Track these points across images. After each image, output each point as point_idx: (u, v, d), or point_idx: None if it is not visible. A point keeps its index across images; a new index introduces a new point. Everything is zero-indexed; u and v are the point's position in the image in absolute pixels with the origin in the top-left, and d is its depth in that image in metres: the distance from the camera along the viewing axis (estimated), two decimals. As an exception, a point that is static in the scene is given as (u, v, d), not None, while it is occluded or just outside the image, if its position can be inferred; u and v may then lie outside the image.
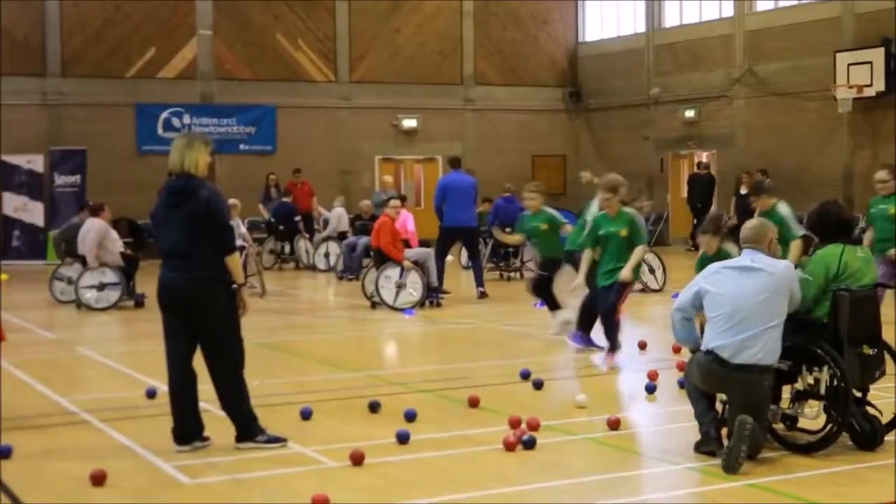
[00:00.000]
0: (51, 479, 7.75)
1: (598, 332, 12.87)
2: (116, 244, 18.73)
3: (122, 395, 10.79)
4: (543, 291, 14.61)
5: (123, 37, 30.98)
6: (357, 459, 7.97)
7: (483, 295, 18.92)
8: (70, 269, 19.07)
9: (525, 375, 11.14)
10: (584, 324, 13.10)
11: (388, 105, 33.67)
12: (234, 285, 8.44)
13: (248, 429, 8.49)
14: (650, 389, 10.49)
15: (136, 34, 31.11)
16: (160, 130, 31.01)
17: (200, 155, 8.47)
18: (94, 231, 18.34)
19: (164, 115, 31.26)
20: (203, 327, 8.39)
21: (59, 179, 29.12)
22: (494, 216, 23.03)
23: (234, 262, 8.47)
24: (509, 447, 8.31)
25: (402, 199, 19.82)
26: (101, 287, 18.31)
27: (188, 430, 8.46)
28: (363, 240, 21.62)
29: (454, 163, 20.39)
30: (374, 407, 9.75)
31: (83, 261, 18.56)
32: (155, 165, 28.97)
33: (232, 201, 19.79)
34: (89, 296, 18.22)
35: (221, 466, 8.06)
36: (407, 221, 20.87)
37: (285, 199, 26.84)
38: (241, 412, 8.49)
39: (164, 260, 8.52)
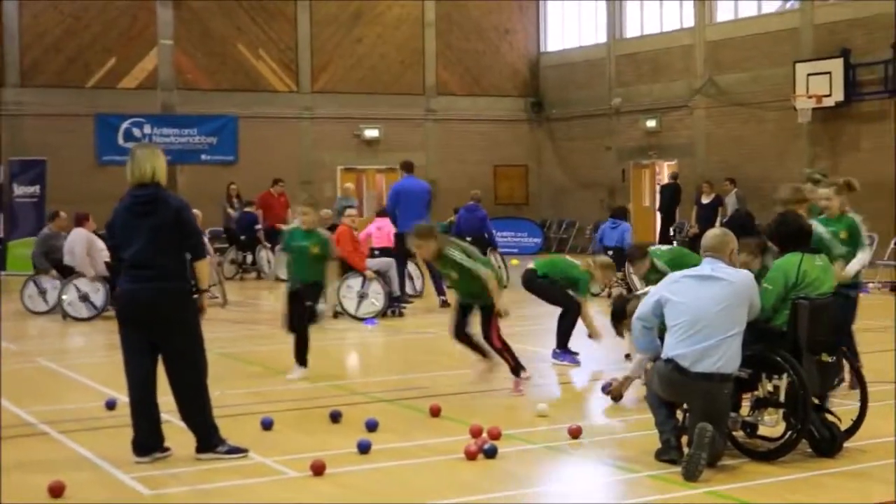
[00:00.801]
0: (9, 491, 7.67)
1: (575, 343, 12.99)
2: (102, 253, 18.66)
3: (82, 407, 10.71)
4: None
5: (83, 47, 30.83)
6: (318, 469, 7.95)
7: (445, 304, 18.88)
8: (46, 281, 18.96)
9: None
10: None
11: (349, 115, 33.66)
12: (197, 290, 8.41)
13: (208, 440, 8.44)
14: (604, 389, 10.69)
15: (95, 44, 30.97)
16: (120, 141, 30.84)
17: (164, 164, 8.46)
18: (81, 241, 18.26)
19: (125, 125, 31.11)
20: (168, 338, 8.34)
21: (19, 190, 28.86)
22: (459, 227, 22.95)
23: (204, 267, 8.48)
24: (471, 456, 8.30)
25: (343, 209, 19.46)
26: (86, 297, 18.18)
27: (148, 441, 8.40)
28: None
29: (407, 167, 20.24)
30: (335, 417, 9.73)
31: (64, 272, 18.44)
32: (115, 176, 28.59)
33: (195, 212, 19.70)
34: (75, 306, 18.14)
35: (182, 477, 8.01)
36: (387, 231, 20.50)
37: (247, 209, 26.74)
38: (202, 423, 8.44)
39: (125, 271, 8.46)
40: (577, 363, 12.90)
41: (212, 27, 32.24)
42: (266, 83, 33.08)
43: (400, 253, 18.96)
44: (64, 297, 18.19)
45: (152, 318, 8.32)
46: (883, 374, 11.44)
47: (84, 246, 18.20)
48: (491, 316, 11.10)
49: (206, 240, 20.26)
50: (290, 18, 33.26)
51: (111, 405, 10.27)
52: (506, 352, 11.25)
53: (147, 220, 8.28)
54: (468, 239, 22.30)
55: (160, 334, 8.34)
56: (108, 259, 18.70)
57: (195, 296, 8.42)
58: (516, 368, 11.23)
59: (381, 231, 20.40)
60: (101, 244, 18.75)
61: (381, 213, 21.22)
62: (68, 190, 28.55)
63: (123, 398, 8.93)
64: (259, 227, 26.25)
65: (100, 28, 31.02)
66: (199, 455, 8.41)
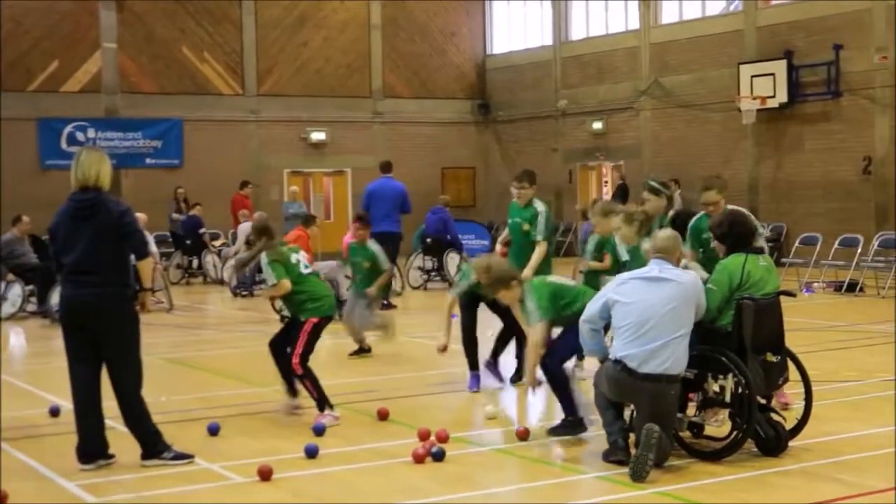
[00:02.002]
0: (-50, 500, 7.57)
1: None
2: None
3: (24, 414, 10.57)
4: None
5: (24, 50, 30.49)
6: (265, 475, 7.90)
7: (389, 306, 18.92)
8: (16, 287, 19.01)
9: None
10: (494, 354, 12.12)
11: (296, 118, 33.54)
12: (139, 289, 8.32)
13: (153, 446, 8.37)
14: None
15: (37, 47, 30.64)
16: (64, 145, 30.53)
17: (109, 169, 8.38)
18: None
19: (68, 129, 30.80)
20: (108, 344, 8.26)
21: (-39, 195, 28.57)
22: (427, 228, 23.26)
23: (146, 267, 8.38)
24: (419, 460, 8.28)
25: (312, 218, 19.39)
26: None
27: (93, 448, 8.32)
28: None
29: (384, 168, 20.52)
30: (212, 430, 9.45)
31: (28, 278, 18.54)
32: (59, 180, 28.41)
33: (139, 215, 19.57)
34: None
35: (127, 484, 7.94)
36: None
37: (192, 213, 26.57)
38: (144, 430, 8.37)
39: (66, 276, 8.36)
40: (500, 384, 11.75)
41: (156, 30, 32.00)
42: (211, 86, 32.89)
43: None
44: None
45: (93, 324, 8.23)
46: (829, 373, 11.55)
47: None
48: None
49: (154, 247, 20.26)
50: (236, 21, 33.09)
51: (55, 412, 10.17)
52: (305, 379, 9.92)
53: (88, 224, 8.19)
54: (428, 240, 22.67)
55: (100, 340, 8.25)
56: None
57: (137, 291, 8.33)
58: (318, 403, 9.88)
59: None
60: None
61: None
62: (11, 195, 28.21)
63: (67, 405, 8.83)
64: (204, 230, 26.08)
65: (41, 31, 30.69)
66: (145, 462, 8.34)
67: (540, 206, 11.82)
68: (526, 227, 11.71)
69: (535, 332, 8.95)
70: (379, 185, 20.07)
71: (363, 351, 14.04)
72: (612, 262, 11.08)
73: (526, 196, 11.84)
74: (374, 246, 14.13)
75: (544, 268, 11.40)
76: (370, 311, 13.98)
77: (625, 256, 10.55)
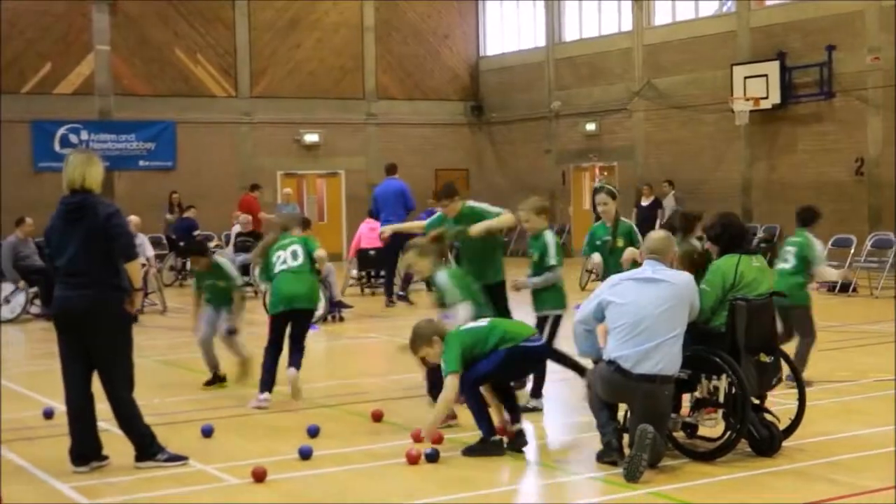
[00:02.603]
0: (-57, 503, 7.56)
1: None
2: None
3: (18, 416, 10.56)
4: None
5: (18, 52, 30.43)
6: (259, 476, 7.90)
7: (391, 303, 19.06)
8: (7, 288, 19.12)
9: None
10: None
11: (289, 120, 33.50)
12: (130, 289, 8.31)
13: (146, 448, 8.37)
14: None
15: (30, 49, 30.59)
16: (57, 147, 30.48)
17: (99, 172, 8.39)
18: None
19: (61, 131, 30.75)
20: (99, 346, 8.25)
21: (-46, 197, 28.52)
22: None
23: (135, 268, 8.35)
24: (413, 461, 8.28)
25: (307, 222, 19.49)
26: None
27: (86, 450, 8.31)
28: (241, 257, 21.11)
29: (388, 170, 21.02)
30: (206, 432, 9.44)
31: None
32: (52, 183, 28.35)
33: (133, 218, 19.58)
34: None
35: (120, 486, 7.93)
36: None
37: (186, 216, 26.54)
38: (137, 432, 8.36)
39: (59, 278, 8.36)
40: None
41: (149, 32, 31.96)
42: (204, 88, 32.85)
43: (388, 252, 19.25)
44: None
45: (84, 327, 8.23)
46: (821, 373, 11.57)
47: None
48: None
49: (150, 250, 20.26)
50: (229, 23, 33.06)
51: (48, 414, 10.16)
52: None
53: (78, 227, 8.20)
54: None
55: (90, 342, 8.25)
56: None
57: (128, 291, 8.32)
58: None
59: (374, 232, 20.65)
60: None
61: (371, 215, 21.81)
62: (4, 197, 28.19)
63: (61, 407, 8.83)
64: (197, 232, 26.05)
65: (35, 34, 30.64)
66: (138, 464, 8.34)
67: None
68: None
69: (447, 387, 8.64)
70: (382, 187, 20.67)
71: (218, 380, 12.14)
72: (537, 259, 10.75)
73: (455, 209, 11.49)
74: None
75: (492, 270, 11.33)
76: (233, 338, 12.06)
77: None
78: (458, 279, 10.14)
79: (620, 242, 10.58)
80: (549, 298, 10.45)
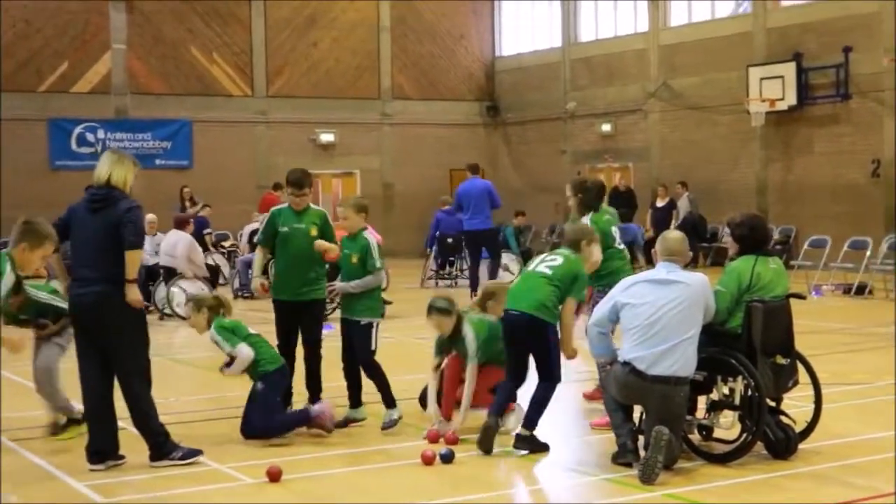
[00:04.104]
0: (-40, 500, 7.59)
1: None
2: (200, 256, 19.50)
3: (34, 414, 10.58)
4: None
5: (35, 51, 30.52)
6: (274, 476, 7.91)
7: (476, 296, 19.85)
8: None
9: None
10: None
11: (305, 119, 33.52)
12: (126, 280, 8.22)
13: (160, 447, 8.37)
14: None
15: (47, 48, 30.68)
16: (73, 145, 30.61)
17: (129, 173, 8.44)
18: (183, 243, 18.72)
19: (78, 129, 30.84)
20: (111, 343, 8.26)
21: (-29, 194, 28.60)
22: (436, 228, 23.82)
23: (134, 257, 8.22)
24: (427, 461, 8.28)
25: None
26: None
27: (103, 448, 8.33)
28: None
29: (472, 169, 21.36)
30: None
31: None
32: (68, 181, 28.54)
33: (149, 216, 19.71)
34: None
35: (136, 485, 7.95)
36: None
37: (200, 214, 26.56)
38: (152, 430, 8.37)
39: (74, 274, 8.40)
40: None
41: (165, 31, 32.02)
42: (220, 87, 32.90)
43: (468, 250, 21.26)
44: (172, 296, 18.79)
45: (95, 323, 8.24)
46: (838, 375, 11.54)
47: (185, 248, 18.76)
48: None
49: (162, 241, 20.33)
50: (245, 22, 33.10)
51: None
52: None
53: (97, 217, 8.27)
54: (449, 240, 23.74)
55: (103, 338, 8.26)
56: (208, 261, 20.25)
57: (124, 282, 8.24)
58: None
59: (451, 217, 22.85)
60: (198, 247, 19.75)
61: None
62: (21, 195, 28.25)
63: (80, 406, 8.85)
64: (209, 230, 26.08)
65: (52, 32, 30.73)
66: (153, 463, 8.34)
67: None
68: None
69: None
70: (465, 185, 20.98)
71: (74, 422, 9.56)
72: None
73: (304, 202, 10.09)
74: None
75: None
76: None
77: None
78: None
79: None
80: (369, 304, 9.67)
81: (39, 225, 8.41)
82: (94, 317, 8.23)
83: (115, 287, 8.19)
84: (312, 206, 10.17)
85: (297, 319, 10.01)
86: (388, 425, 9.55)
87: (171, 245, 18.95)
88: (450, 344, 9.64)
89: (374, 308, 9.79)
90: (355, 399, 9.94)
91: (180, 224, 19.41)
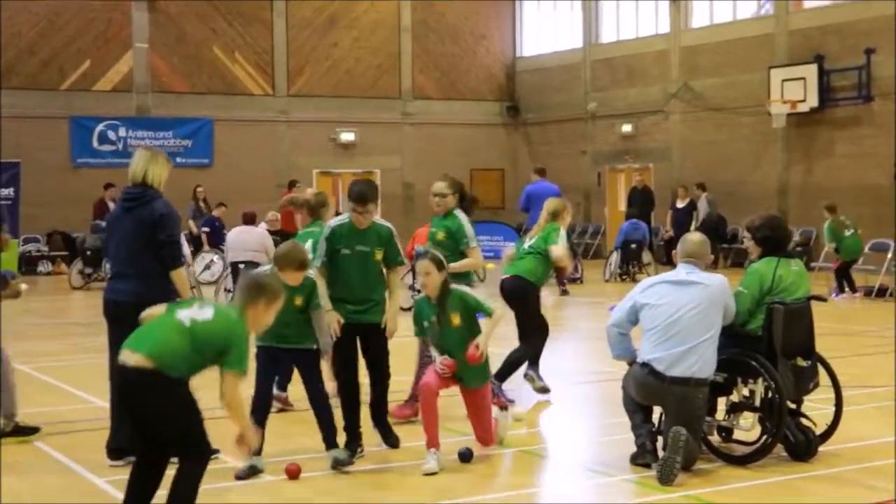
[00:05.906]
0: (-19, 495, 7.63)
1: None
2: (272, 244, 19.25)
3: (55, 410, 10.63)
4: None
5: (58, 49, 30.67)
6: (293, 473, 7.92)
7: (564, 292, 21.25)
8: None
9: None
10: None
11: (326, 119, 33.59)
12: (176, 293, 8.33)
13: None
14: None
15: (70, 46, 30.82)
16: (95, 143, 30.75)
17: (163, 170, 8.51)
18: (255, 237, 18.66)
19: (100, 127, 30.98)
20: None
21: (-7, 192, 28.71)
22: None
23: (180, 277, 8.34)
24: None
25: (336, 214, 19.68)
26: None
27: (123, 444, 8.34)
28: None
29: (540, 172, 22.03)
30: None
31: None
32: (89, 178, 28.70)
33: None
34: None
35: (156, 481, 7.95)
36: None
37: (214, 214, 26.61)
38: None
39: (110, 269, 8.52)
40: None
41: (187, 30, 32.14)
42: (242, 86, 33.00)
43: None
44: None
45: (129, 320, 8.25)
46: (858, 378, 11.49)
47: (258, 240, 18.66)
48: None
49: (187, 249, 20.34)
50: (267, 22, 33.19)
51: None
52: None
53: (131, 215, 8.34)
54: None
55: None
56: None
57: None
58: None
59: None
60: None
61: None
62: (43, 192, 28.44)
63: (98, 402, 8.87)
64: (207, 229, 26.01)
65: (75, 30, 30.87)
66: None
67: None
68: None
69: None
70: (536, 187, 21.16)
71: (29, 432, 9.35)
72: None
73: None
74: None
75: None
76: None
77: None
78: None
79: (456, 319, 8.55)
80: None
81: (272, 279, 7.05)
82: (127, 312, 8.23)
83: (146, 284, 8.22)
84: (377, 220, 8.87)
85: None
86: None
87: (253, 240, 18.48)
88: (432, 311, 8.61)
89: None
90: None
91: (250, 219, 19.27)
